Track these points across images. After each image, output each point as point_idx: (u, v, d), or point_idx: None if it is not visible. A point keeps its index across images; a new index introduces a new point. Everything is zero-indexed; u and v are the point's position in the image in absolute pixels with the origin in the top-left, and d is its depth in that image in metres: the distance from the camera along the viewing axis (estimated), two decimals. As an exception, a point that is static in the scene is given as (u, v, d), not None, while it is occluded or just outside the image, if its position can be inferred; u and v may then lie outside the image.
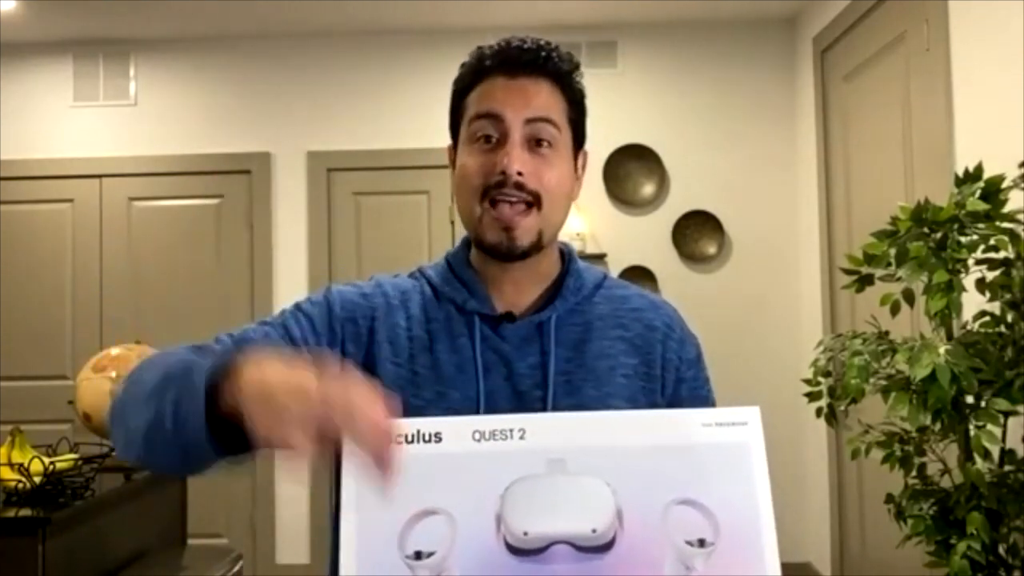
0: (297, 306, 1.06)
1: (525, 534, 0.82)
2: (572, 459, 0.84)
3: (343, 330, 1.04)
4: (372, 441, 0.73)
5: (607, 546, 0.82)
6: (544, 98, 1.03)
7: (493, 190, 1.00)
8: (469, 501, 0.83)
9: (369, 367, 1.02)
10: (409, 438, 0.84)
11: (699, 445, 0.86)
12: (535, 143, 1.01)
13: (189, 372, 0.81)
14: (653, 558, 0.82)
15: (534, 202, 1.00)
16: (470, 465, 0.84)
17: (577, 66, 1.08)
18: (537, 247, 1.03)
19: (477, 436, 0.85)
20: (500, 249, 1.01)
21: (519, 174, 0.99)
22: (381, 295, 1.07)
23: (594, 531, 0.82)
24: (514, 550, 0.82)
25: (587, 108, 1.10)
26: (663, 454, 0.86)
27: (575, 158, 1.09)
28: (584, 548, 0.82)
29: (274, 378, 0.73)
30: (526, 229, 1.01)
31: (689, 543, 0.83)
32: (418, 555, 0.81)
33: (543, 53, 1.04)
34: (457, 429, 0.85)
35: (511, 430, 0.85)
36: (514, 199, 0.99)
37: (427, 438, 0.84)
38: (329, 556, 0.98)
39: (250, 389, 0.74)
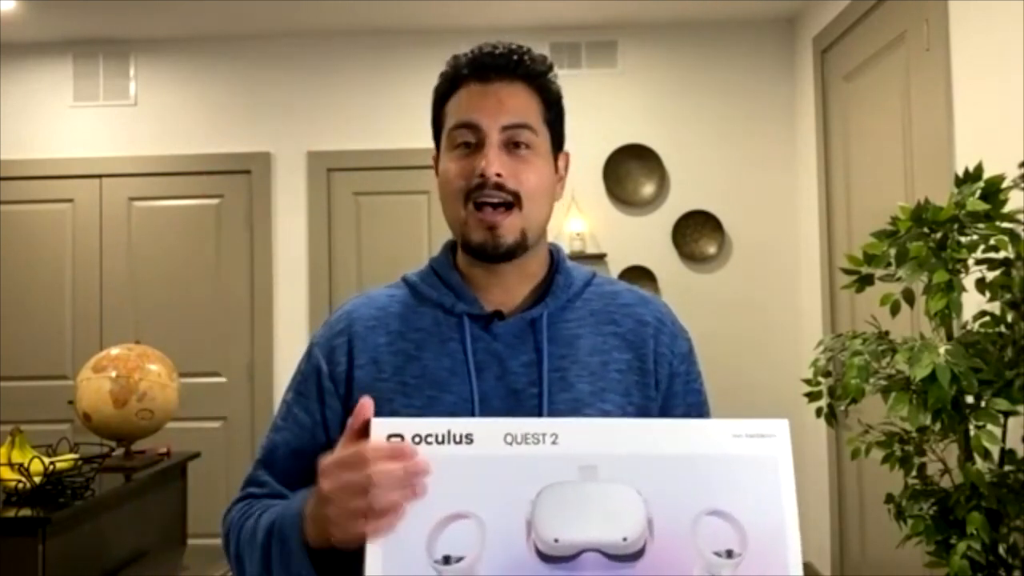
0: (297, 392, 1.09)
1: (556, 541, 0.81)
2: (604, 466, 0.84)
3: (333, 378, 1.06)
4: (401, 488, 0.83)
5: (637, 555, 0.82)
6: (519, 102, 1.04)
7: (474, 192, 1.02)
8: (499, 506, 0.82)
9: (350, 391, 1.05)
10: (440, 438, 0.84)
11: (729, 456, 0.86)
12: (513, 146, 1.03)
13: (283, 539, 0.93)
14: (682, 567, 0.82)
15: (514, 202, 1.02)
16: (501, 469, 0.83)
17: (551, 67, 1.09)
18: (522, 246, 1.04)
19: (509, 439, 0.84)
20: (486, 248, 1.03)
21: (498, 175, 1.01)
22: (356, 324, 1.08)
23: (625, 540, 0.82)
24: (544, 557, 0.81)
25: (564, 109, 1.11)
26: (693, 464, 0.86)
27: (555, 159, 1.10)
28: (614, 556, 0.82)
29: (320, 505, 0.86)
30: (509, 228, 1.02)
31: (717, 554, 0.83)
32: (447, 559, 0.81)
33: (515, 57, 1.05)
34: (489, 431, 0.85)
35: (543, 435, 0.85)
36: (495, 200, 1.01)
37: (458, 439, 0.84)
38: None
39: (314, 527, 0.88)
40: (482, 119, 1.02)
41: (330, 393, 1.06)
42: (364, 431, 0.85)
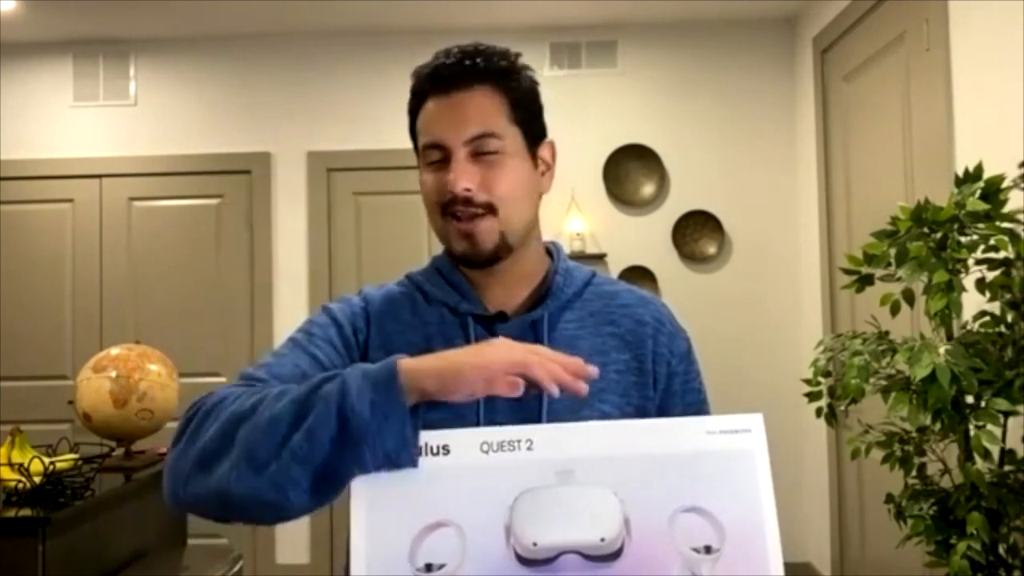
0: (309, 333, 1.05)
1: (534, 544, 0.82)
2: (580, 469, 0.85)
3: (355, 338, 1.06)
4: (562, 370, 0.87)
5: (615, 555, 0.83)
6: (480, 110, 1.03)
7: (448, 207, 1.03)
8: (478, 513, 0.83)
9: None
10: (417, 451, 0.85)
11: (704, 452, 0.87)
12: (481, 154, 1.02)
13: (344, 392, 0.84)
14: (661, 565, 0.83)
15: (487, 211, 1.02)
16: (479, 477, 0.85)
17: (514, 61, 1.06)
18: (504, 248, 1.04)
19: (485, 448, 0.86)
20: (468, 257, 1.05)
21: (466, 190, 1.01)
22: (371, 305, 1.09)
23: (603, 540, 0.83)
24: (524, 560, 0.82)
25: (539, 99, 1.09)
26: (669, 462, 0.86)
27: (532, 155, 1.08)
28: (593, 557, 0.83)
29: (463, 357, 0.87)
30: (486, 233, 1.02)
31: (695, 550, 0.83)
32: (428, 568, 0.82)
33: (468, 61, 1.03)
34: (465, 441, 0.86)
35: (519, 441, 0.86)
36: (467, 214, 1.02)
37: (435, 451, 0.85)
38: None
39: (435, 370, 0.85)
40: (445, 136, 1.02)
41: (349, 345, 1.05)
42: None
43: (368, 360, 1.02)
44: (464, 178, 1.01)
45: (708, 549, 0.83)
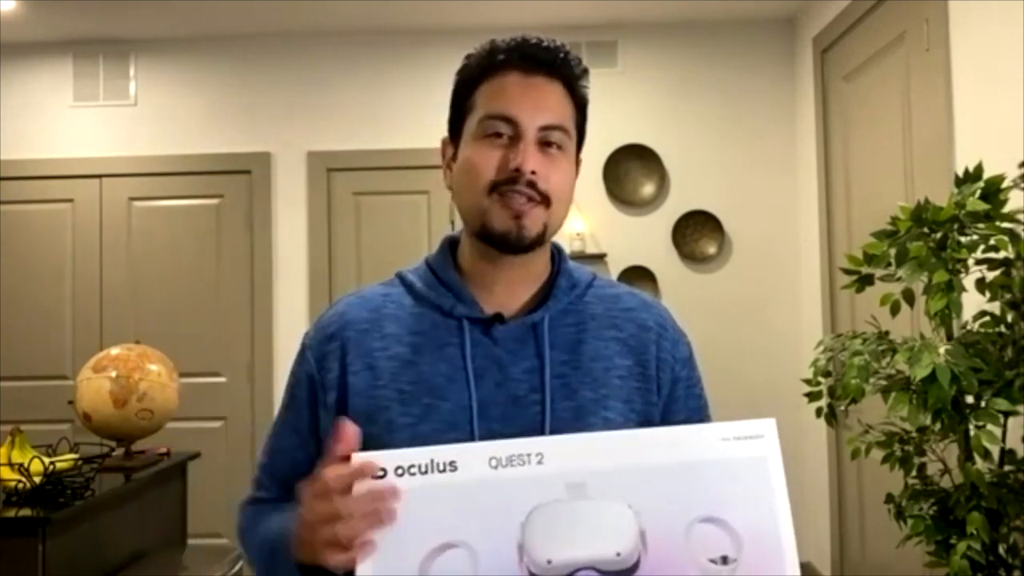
0: (292, 396, 1.07)
1: (549, 562, 0.80)
2: (592, 482, 0.83)
3: (325, 385, 1.03)
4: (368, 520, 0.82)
5: (632, 569, 0.81)
6: (557, 102, 1.02)
7: (503, 185, 0.98)
8: (489, 532, 0.81)
9: (344, 398, 1.01)
10: (423, 468, 0.82)
11: (718, 460, 0.85)
12: (546, 145, 1.01)
13: (275, 556, 0.94)
14: None
15: (542, 201, 0.99)
16: (488, 494, 0.82)
17: (586, 71, 1.07)
18: (541, 240, 1.01)
19: (494, 463, 0.83)
20: (509, 238, 0.99)
21: (533, 173, 0.98)
22: (349, 327, 1.04)
23: (618, 555, 0.81)
24: None
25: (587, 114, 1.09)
26: (683, 472, 0.84)
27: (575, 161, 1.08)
28: (609, 572, 0.81)
29: (301, 530, 0.87)
30: (535, 219, 0.99)
31: (713, 561, 0.82)
32: None
33: (560, 55, 1.03)
34: (473, 456, 0.83)
35: (528, 455, 0.83)
36: (525, 196, 0.98)
37: (442, 467, 0.82)
38: None
39: (300, 550, 0.87)
40: (521, 115, 0.99)
41: (323, 401, 1.02)
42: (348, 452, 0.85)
43: (350, 384, 1.01)
44: (533, 161, 0.98)
45: (725, 559, 0.82)
